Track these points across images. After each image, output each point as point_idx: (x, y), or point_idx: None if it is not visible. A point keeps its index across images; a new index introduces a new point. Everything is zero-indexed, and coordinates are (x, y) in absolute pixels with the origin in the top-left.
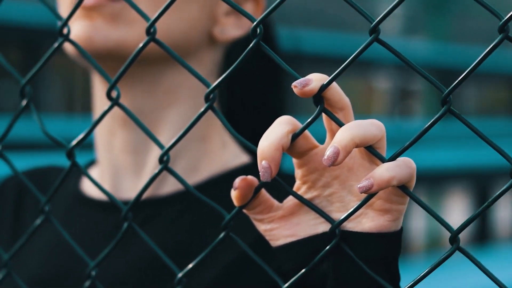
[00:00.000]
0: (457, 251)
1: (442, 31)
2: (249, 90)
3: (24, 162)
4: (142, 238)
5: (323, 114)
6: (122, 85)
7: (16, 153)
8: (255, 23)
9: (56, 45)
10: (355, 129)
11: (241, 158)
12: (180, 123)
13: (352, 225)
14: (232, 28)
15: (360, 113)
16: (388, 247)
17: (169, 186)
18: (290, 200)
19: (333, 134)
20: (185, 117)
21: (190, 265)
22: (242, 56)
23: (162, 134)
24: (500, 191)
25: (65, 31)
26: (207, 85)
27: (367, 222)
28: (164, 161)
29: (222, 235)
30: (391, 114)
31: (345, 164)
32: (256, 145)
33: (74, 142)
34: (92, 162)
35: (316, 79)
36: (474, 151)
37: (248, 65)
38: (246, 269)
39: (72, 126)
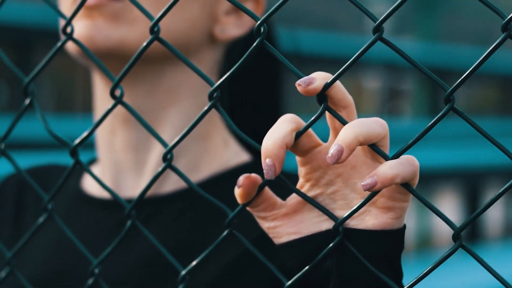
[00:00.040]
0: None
1: (431, 31)
2: (249, 89)
3: (23, 162)
4: (144, 236)
5: (327, 113)
6: (123, 84)
7: (14, 153)
8: (259, 22)
9: (59, 44)
10: (358, 127)
11: (242, 156)
12: (181, 122)
13: (355, 223)
14: (233, 27)
15: None
16: (391, 244)
17: (170, 184)
18: (293, 198)
19: (336, 132)
20: (186, 116)
21: (194, 262)
22: (246, 54)
23: (162, 133)
24: (503, 188)
25: (68, 30)
26: (210, 83)
27: (371, 219)
28: (167, 159)
29: (225, 232)
30: (380, 114)
31: (349, 162)
32: (256, 144)
33: (77, 141)
34: (92, 161)
35: (319, 78)
36: (464, 150)
37: (248, 64)
38: (248, 267)
39: (60, 125)
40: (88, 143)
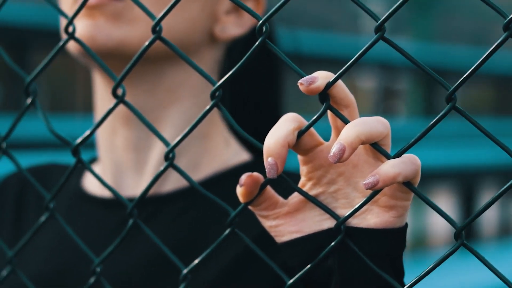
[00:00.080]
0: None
1: (426, 31)
2: (249, 88)
3: (21, 161)
4: (145, 235)
5: (328, 111)
6: (124, 84)
7: (12, 152)
8: (261, 21)
9: (61, 43)
10: (361, 126)
11: (242, 156)
12: (181, 122)
13: (357, 221)
14: (233, 27)
15: None
16: (393, 243)
17: (171, 184)
18: (295, 196)
19: (338, 131)
20: (186, 115)
21: (196, 261)
22: (248, 53)
23: (163, 132)
24: (504, 187)
25: (70, 29)
26: (212, 82)
27: (372, 218)
28: (169, 158)
29: (227, 231)
30: (374, 114)
31: (350, 161)
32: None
33: (79, 140)
34: (92, 160)
35: (322, 77)
36: (459, 150)
37: (248, 63)
38: (250, 266)
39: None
40: (88, 143)
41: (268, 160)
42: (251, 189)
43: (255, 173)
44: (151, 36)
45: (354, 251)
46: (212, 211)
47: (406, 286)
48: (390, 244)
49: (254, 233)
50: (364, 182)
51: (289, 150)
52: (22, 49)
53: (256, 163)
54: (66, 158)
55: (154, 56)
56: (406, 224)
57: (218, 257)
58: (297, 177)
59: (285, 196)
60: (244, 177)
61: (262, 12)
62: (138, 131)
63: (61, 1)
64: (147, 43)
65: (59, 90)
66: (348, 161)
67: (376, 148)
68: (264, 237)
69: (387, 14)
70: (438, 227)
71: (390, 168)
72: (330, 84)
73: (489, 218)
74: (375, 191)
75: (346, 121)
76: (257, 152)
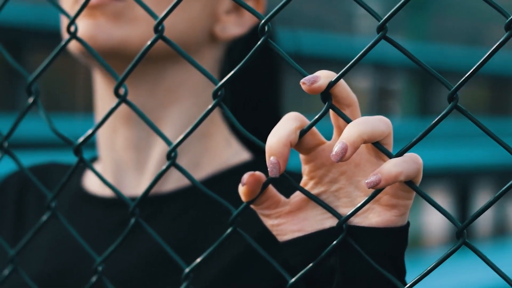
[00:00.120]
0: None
1: (420, 31)
2: (250, 88)
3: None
4: (147, 234)
5: (331, 111)
6: (125, 83)
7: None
8: (263, 20)
9: (63, 42)
10: (363, 125)
11: (242, 155)
12: (182, 121)
13: (359, 220)
14: (233, 26)
15: None
16: (394, 241)
17: (171, 183)
18: (297, 195)
19: (340, 131)
20: (187, 115)
21: (198, 260)
22: (250, 53)
23: (163, 132)
24: (505, 187)
25: (72, 29)
26: (214, 82)
27: (374, 217)
28: (171, 157)
29: (229, 230)
30: (369, 114)
31: (352, 160)
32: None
33: (81, 139)
34: (92, 159)
35: (324, 76)
36: (455, 150)
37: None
38: (251, 265)
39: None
40: (89, 142)
41: (270, 159)
42: (253, 188)
43: (257, 172)
44: (152, 36)
45: (356, 250)
46: (213, 210)
47: (408, 285)
48: (391, 243)
49: (255, 232)
50: (366, 181)
51: (291, 149)
52: (18, 49)
53: (257, 163)
54: (65, 158)
55: (155, 56)
56: (408, 223)
57: (219, 256)
58: (299, 176)
59: (287, 195)
60: (246, 176)
61: (262, 11)
62: (139, 130)
63: (62, 1)
64: (149, 42)
65: (59, 90)
66: (350, 160)
67: (378, 147)
68: (266, 236)
69: (389, 13)
70: (433, 227)
71: (392, 167)
72: (332, 83)
73: (484, 218)
74: (377, 190)
75: (348, 120)
76: (257, 152)
